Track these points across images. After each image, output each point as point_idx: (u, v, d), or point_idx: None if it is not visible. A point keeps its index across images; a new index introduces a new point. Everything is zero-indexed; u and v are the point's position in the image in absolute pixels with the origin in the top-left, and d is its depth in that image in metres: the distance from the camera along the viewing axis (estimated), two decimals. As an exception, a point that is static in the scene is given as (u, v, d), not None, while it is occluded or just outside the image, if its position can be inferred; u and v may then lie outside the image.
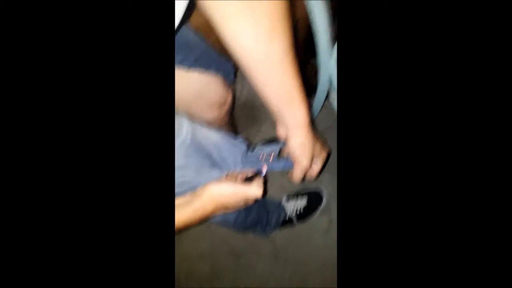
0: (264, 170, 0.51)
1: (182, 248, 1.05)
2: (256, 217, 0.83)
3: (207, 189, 0.45)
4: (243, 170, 0.51)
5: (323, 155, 0.51)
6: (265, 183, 0.50)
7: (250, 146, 0.57)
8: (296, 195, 0.98)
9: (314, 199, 0.96)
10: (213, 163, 0.49)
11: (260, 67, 0.41)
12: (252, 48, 0.39)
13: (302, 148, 0.47)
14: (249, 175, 0.51)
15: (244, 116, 1.17)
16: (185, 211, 0.44)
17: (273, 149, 0.53)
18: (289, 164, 0.50)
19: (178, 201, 0.46)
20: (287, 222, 0.95)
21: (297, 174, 0.49)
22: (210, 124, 0.75)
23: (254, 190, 0.46)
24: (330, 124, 1.10)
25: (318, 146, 0.49)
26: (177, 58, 0.55)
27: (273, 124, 1.15)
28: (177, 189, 0.48)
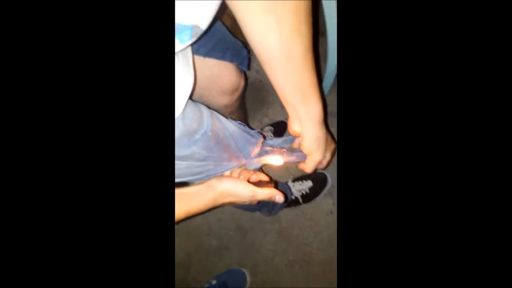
0: (279, 162, 0.54)
1: (192, 223, 1.10)
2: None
3: (222, 186, 0.48)
4: (258, 161, 0.54)
5: (333, 146, 0.53)
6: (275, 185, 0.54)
7: (260, 131, 0.59)
8: (302, 177, 1.01)
9: (320, 182, 1.00)
10: (231, 155, 0.51)
11: (281, 64, 0.41)
12: (275, 46, 0.39)
13: (316, 142, 0.48)
14: (263, 179, 0.54)
15: (252, 98, 1.17)
16: (197, 202, 0.47)
17: (284, 143, 0.56)
18: (302, 156, 0.52)
19: (192, 189, 0.48)
20: (293, 201, 1.00)
21: (309, 166, 0.51)
22: (221, 109, 0.76)
23: (265, 195, 0.50)
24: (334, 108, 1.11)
25: (328, 139, 0.50)
26: (194, 46, 0.56)
27: (281, 107, 1.17)
28: (197, 176, 0.51)
